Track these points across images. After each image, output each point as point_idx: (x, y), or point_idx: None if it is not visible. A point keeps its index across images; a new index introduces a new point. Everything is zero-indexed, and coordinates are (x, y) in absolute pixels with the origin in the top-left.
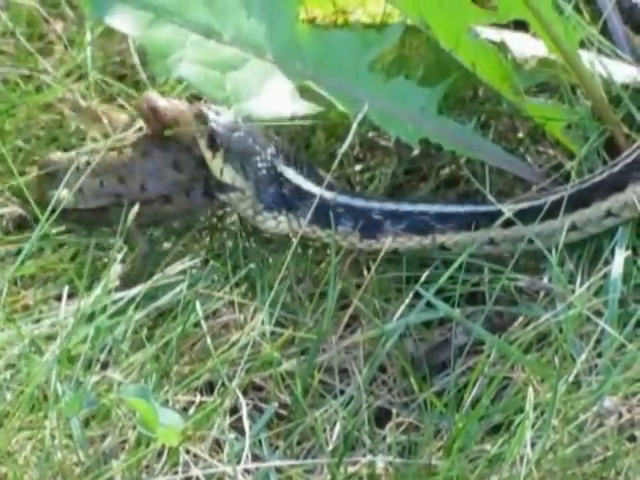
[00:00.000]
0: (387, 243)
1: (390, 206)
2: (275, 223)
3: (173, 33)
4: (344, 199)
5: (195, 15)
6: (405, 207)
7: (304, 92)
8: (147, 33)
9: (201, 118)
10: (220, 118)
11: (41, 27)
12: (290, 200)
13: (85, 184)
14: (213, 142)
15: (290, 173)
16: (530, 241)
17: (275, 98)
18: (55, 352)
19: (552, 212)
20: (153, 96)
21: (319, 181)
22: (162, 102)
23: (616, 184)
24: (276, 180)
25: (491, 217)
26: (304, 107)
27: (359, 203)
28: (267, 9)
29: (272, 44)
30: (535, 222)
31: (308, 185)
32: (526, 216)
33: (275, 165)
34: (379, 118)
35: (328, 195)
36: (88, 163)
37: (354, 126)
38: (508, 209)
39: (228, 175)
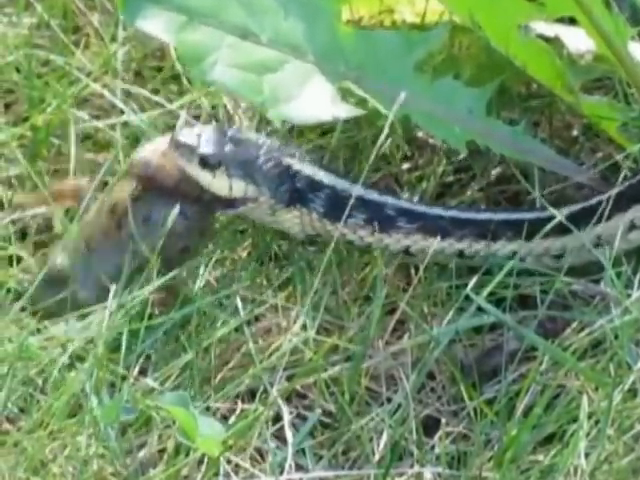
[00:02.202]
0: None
1: (404, 204)
2: (292, 217)
3: (208, 36)
4: (357, 190)
5: (231, 16)
6: (421, 208)
7: (345, 94)
8: (180, 36)
9: (184, 147)
10: (203, 138)
11: (76, 19)
12: (303, 193)
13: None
14: (208, 163)
15: (297, 165)
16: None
17: (315, 101)
18: (91, 357)
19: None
20: (138, 158)
21: (329, 171)
22: (145, 161)
23: None
24: (286, 175)
25: (514, 226)
26: (346, 110)
27: (372, 196)
28: (307, 8)
29: (312, 44)
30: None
31: (319, 175)
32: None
33: (280, 160)
34: (425, 120)
35: (340, 185)
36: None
37: (388, 122)
38: (531, 217)
39: (238, 189)
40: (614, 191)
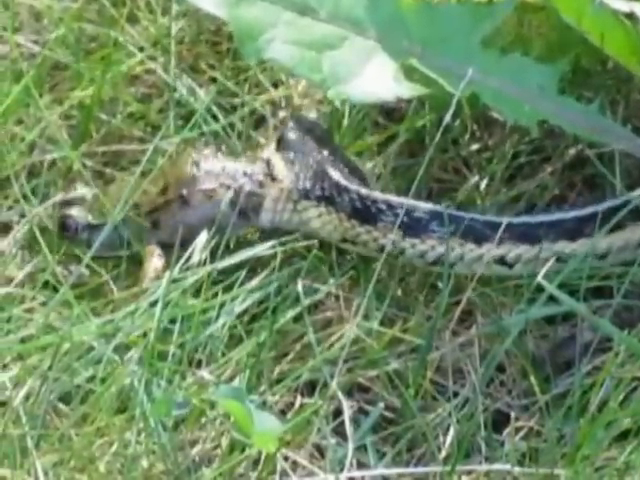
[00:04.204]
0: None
1: (440, 208)
2: (317, 213)
3: (263, 11)
4: (384, 197)
5: None
6: (456, 212)
7: (409, 72)
8: (235, 12)
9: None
10: (298, 125)
11: None
12: (329, 194)
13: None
14: (279, 142)
15: (335, 174)
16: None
17: (377, 79)
18: (141, 348)
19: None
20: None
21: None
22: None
23: None
24: (318, 175)
25: (557, 228)
26: (409, 89)
27: (402, 200)
28: None
29: (374, 19)
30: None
31: (350, 182)
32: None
33: (323, 165)
34: (493, 98)
35: (368, 191)
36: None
37: (454, 100)
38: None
39: (275, 164)
40: None
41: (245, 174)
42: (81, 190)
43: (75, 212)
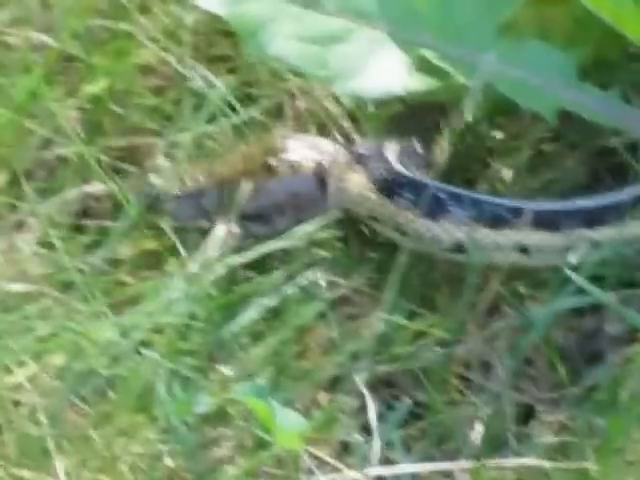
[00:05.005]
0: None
1: (458, 190)
2: (355, 178)
3: (266, 6)
4: (407, 173)
5: None
6: (477, 195)
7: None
8: (236, 9)
9: None
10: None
11: None
12: (366, 154)
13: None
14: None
15: (389, 147)
16: None
17: (386, 73)
18: (163, 345)
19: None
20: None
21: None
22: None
23: None
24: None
25: (573, 216)
26: (419, 82)
27: (424, 179)
28: None
29: (386, 10)
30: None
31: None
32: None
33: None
34: (509, 88)
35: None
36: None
37: (477, 89)
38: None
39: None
40: None
41: (335, 151)
42: (160, 161)
43: (157, 182)
